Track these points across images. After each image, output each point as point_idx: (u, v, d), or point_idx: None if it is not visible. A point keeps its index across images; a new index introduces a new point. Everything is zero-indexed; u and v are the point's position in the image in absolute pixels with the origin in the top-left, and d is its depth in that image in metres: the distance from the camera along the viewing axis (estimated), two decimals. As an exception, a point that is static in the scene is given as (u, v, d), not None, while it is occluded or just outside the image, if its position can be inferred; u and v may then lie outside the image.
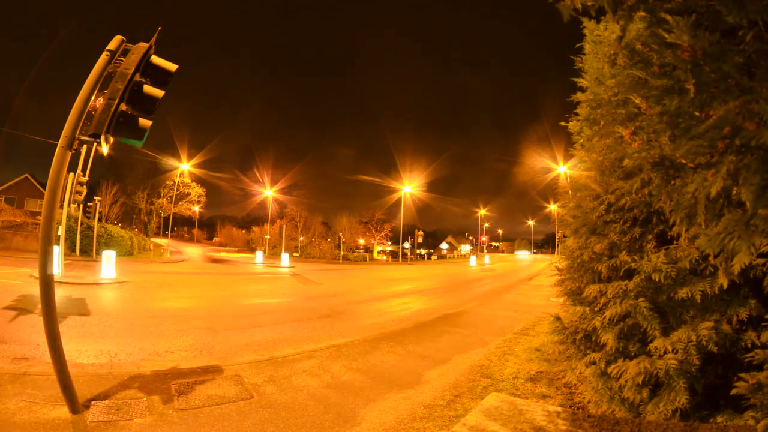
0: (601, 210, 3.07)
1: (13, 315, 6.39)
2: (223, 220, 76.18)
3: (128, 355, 4.91)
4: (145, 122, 3.53)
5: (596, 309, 3.03)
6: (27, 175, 36.78)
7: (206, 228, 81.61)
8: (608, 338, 2.80)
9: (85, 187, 12.16)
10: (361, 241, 58.10)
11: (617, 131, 2.79)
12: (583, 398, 3.29)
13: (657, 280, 2.50)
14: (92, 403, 3.36)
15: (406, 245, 51.16)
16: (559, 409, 2.56)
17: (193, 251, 44.37)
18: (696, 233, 0.92)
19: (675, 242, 2.60)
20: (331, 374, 4.52)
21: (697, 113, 0.91)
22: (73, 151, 3.21)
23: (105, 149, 3.76)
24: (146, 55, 3.41)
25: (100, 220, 23.82)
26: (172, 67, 3.57)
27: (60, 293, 8.31)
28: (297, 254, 41.24)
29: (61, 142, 3.13)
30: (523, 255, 75.60)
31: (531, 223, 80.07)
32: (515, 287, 15.69)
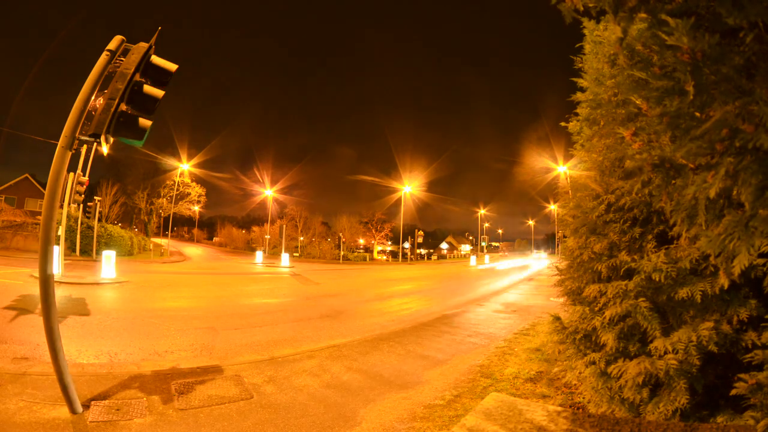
0: (601, 210, 3.07)
1: (13, 315, 6.38)
2: (223, 220, 76.25)
3: (128, 354, 4.92)
4: (145, 122, 3.53)
5: (596, 309, 3.03)
6: (27, 175, 36.77)
7: (206, 228, 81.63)
8: (608, 338, 2.80)
9: (84, 186, 12.17)
10: (361, 241, 58.14)
11: (617, 131, 2.79)
12: (583, 398, 3.30)
13: (657, 280, 2.50)
14: (92, 403, 3.37)
15: (406, 245, 51.16)
16: (559, 409, 2.56)
17: (194, 251, 44.39)
18: (696, 233, 0.92)
19: (675, 242, 2.60)
20: (331, 374, 4.52)
21: (697, 114, 0.91)
22: (73, 151, 3.21)
23: (105, 149, 3.76)
24: (146, 55, 3.41)
25: (100, 220, 23.82)
26: (172, 67, 3.57)
27: (60, 293, 8.32)
28: (297, 254, 41.27)
29: (61, 142, 3.13)
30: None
31: (531, 223, 79.88)
32: (515, 287, 15.69)
